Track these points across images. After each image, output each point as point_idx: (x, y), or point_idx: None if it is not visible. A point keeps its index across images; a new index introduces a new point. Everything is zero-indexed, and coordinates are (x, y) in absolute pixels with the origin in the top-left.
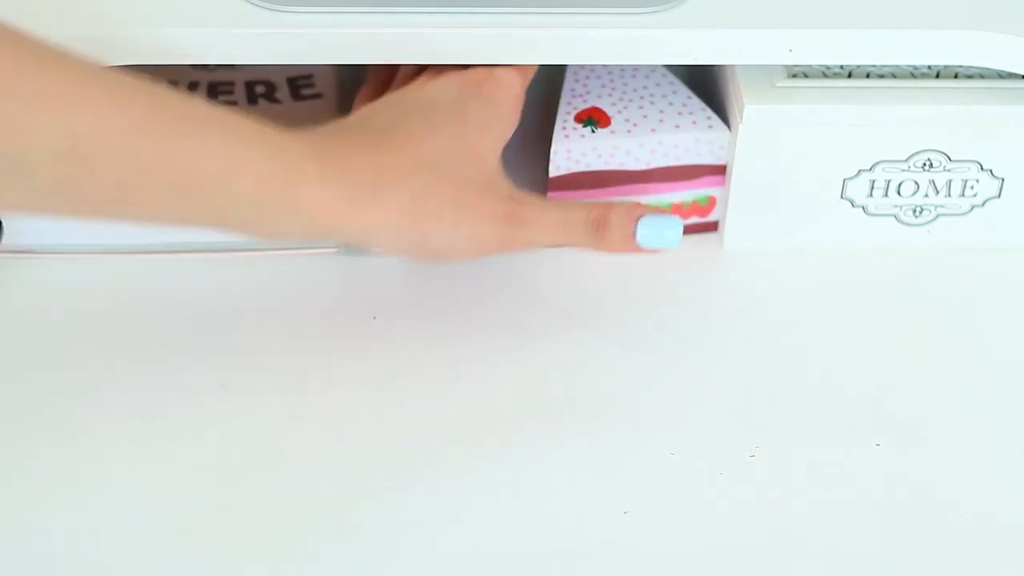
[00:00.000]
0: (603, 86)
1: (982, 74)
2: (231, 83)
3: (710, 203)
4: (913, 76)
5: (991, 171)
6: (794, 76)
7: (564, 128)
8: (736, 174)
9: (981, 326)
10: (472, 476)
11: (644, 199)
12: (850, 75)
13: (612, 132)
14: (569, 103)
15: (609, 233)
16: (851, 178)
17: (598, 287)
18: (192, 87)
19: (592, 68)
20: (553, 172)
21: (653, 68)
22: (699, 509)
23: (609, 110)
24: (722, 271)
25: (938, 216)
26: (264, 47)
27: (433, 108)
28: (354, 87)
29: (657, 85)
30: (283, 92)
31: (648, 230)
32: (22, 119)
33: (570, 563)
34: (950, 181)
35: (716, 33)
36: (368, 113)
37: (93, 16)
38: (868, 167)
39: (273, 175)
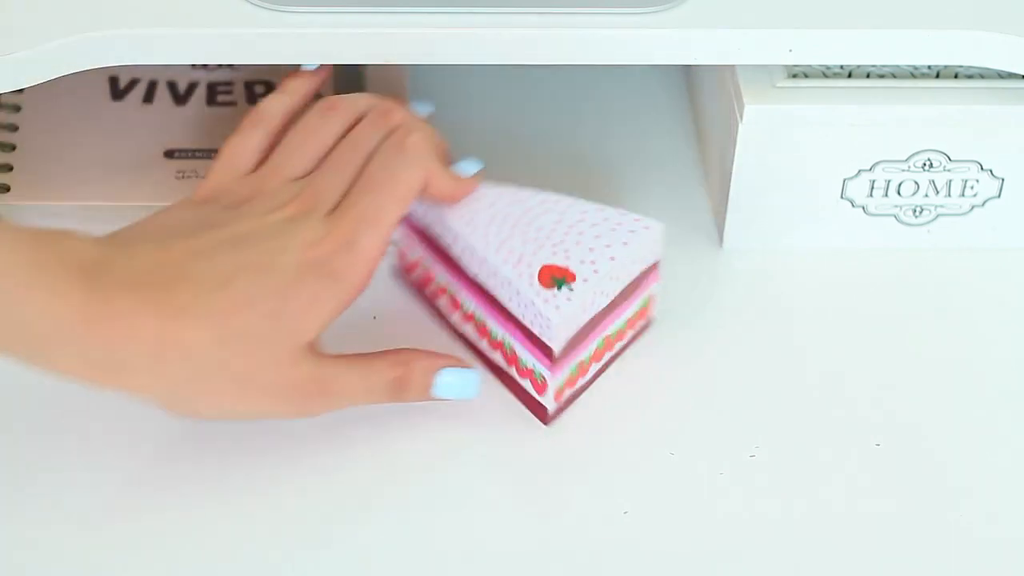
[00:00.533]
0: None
1: (982, 74)
2: (230, 83)
3: (650, 303)
4: (913, 76)
5: (991, 171)
6: (794, 76)
7: (544, 300)
8: (736, 174)
9: (981, 326)
10: (471, 474)
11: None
12: (850, 75)
13: (585, 280)
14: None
15: (408, 392)
16: (851, 178)
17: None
18: (192, 87)
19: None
20: (558, 348)
21: (545, 199)
22: (699, 509)
23: (556, 260)
24: (722, 271)
25: (938, 216)
26: (264, 47)
27: (266, 270)
28: (354, 87)
29: (565, 210)
30: None
31: (447, 382)
32: None
33: (570, 563)
34: (950, 181)
35: (716, 33)
36: (193, 246)
37: (93, 16)
38: (868, 167)
39: (26, 331)
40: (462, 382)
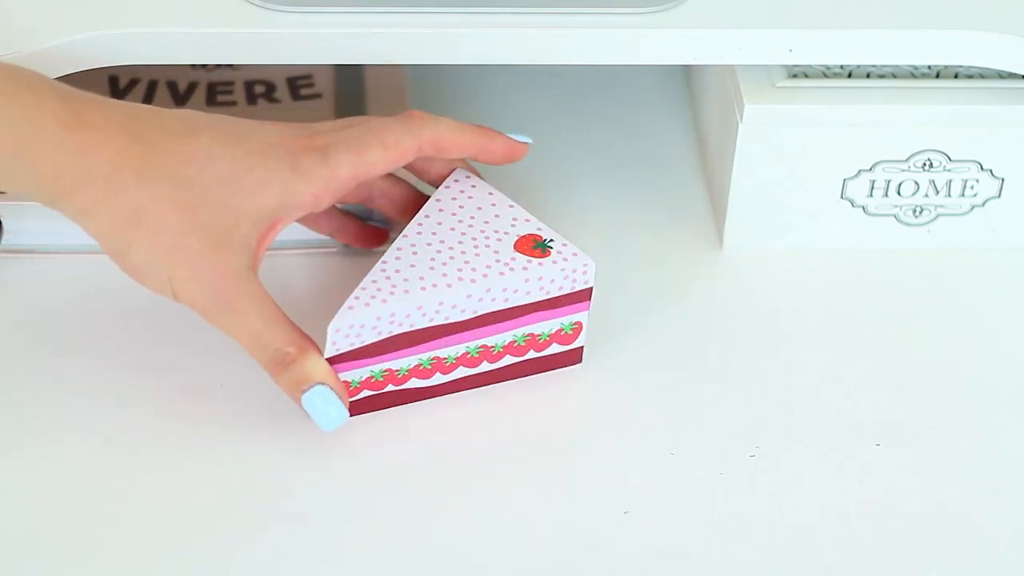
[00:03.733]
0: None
1: (982, 74)
2: (230, 83)
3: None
4: (913, 76)
5: (991, 171)
6: (794, 76)
7: (560, 252)
8: (736, 174)
9: (981, 326)
10: (471, 474)
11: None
12: (850, 75)
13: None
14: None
15: (280, 377)
16: (851, 178)
17: (599, 286)
18: (192, 87)
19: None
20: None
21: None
22: (699, 509)
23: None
24: (722, 271)
25: (938, 216)
26: (264, 47)
27: (235, 137)
28: (354, 87)
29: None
30: (282, 92)
31: (314, 398)
32: None
33: (571, 563)
34: (950, 181)
35: (716, 33)
36: (176, 111)
37: (93, 16)
38: (868, 167)
39: (18, 131)
40: (326, 407)
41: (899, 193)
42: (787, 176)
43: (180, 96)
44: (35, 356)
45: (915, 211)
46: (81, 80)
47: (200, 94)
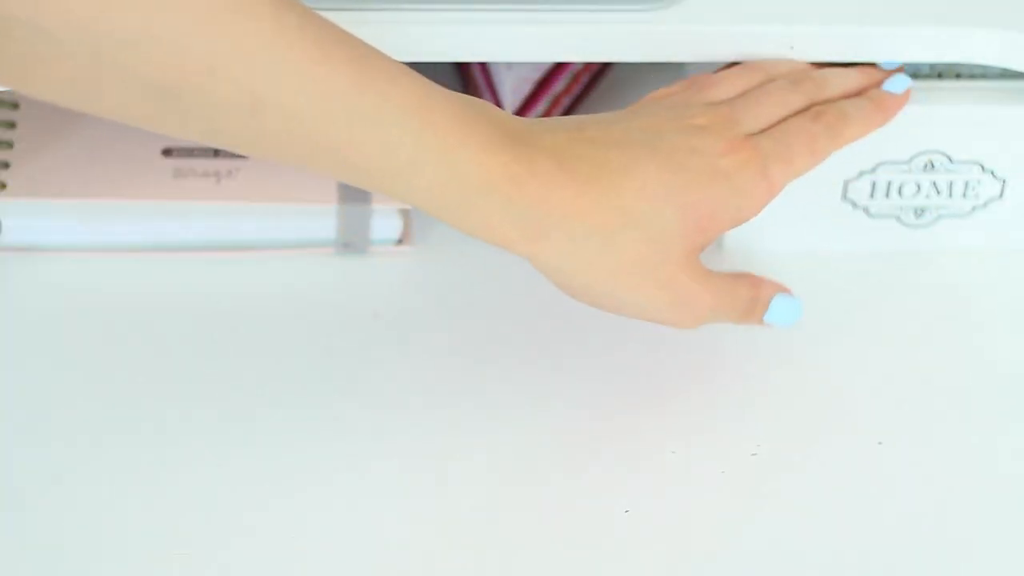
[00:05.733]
0: None
1: (984, 74)
2: None
3: None
4: (915, 76)
5: (992, 172)
6: None
7: None
8: None
9: (983, 328)
10: (469, 475)
11: None
12: None
13: None
14: None
15: (754, 314)
16: (853, 180)
17: None
18: None
19: None
20: None
21: None
22: (699, 509)
23: None
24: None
25: (940, 217)
26: None
27: (678, 167)
28: None
29: None
30: None
31: (780, 307)
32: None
33: (571, 562)
34: (952, 182)
35: (717, 29)
36: (608, 131)
37: None
38: (870, 168)
39: (453, 182)
40: (790, 308)
41: (900, 194)
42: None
43: None
44: (34, 355)
45: (917, 212)
46: None
47: None
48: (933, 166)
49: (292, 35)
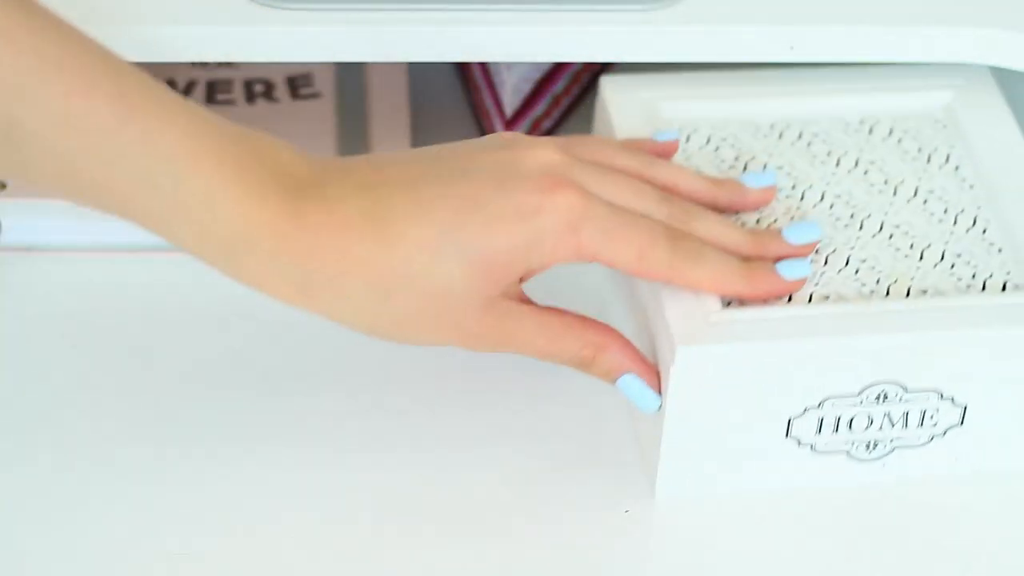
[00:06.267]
0: None
1: (939, 290)
2: (229, 82)
3: None
4: (861, 296)
5: (952, 399)
6: (728, 305)
7: None
8: (669, 417)
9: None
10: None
11: None
12: (789, 299)
13: None
14: None
15: (591, 371)
16: (797, 416)
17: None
18: (190, 86)
19: None
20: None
21: None
22: (700, 507)
23: None
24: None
25: (894, 449)
26: (265, 45)
27: (482, 201)
28: (354, 87)
29: None
30: (282, 91)
31: (631, 385)
32: None
33: (571, 562)
34: (907, 412)
35: (717, 29)
36: (408, 170)
37: (90, 13)
38: (816, 404)
39: (217, 233)
40: (642, 394)
41: (851, 429)
42: (726, 417)
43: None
44: (34, 355)
45: (868, 446)
46: None
47: (199, 93)
48: (886, 397)
49: (50, 67)
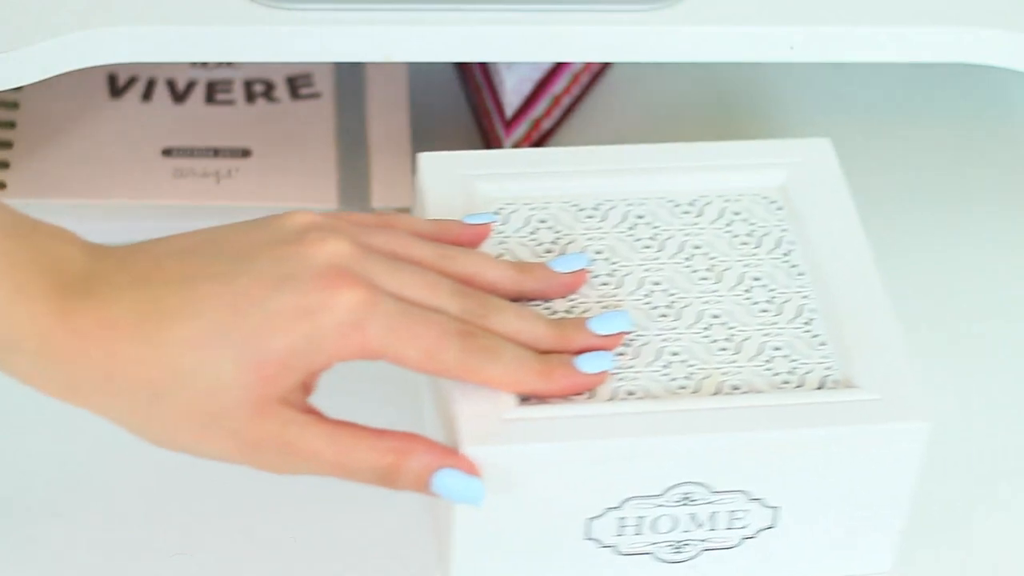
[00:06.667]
0: None
1: (737, 386)
2: (229, 82)
3: None
4: (669, 392)
5: (762, 500)
6: (526, 402)
7: None
8: (458, 520)
9: None
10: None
11: None
12: (594, 394)
13: None
14: None
15: (398, 483)
16: (596, 517)
17: None
18: (190, 86)
19: None
20: None
21: None
22: None
23: None
24: None
25: (703, 551)
26: (265, 45)
27: (260, 299)
28: (354, 87)
29: None
30: (281, 91)
31: (447, 484)
32: None
33: None
34: (714, 513)
35: (717, 29)
36: (187, 266)
37: (92, 13)
38: (616, 504)
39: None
40: (464, 487)
41: (654, 530)
42: (520, 518)
43: (178, 94)
44: None
45: (675, 547)
46: (79, 78)
47: (199, 93)
48: (691, 498)
49: None
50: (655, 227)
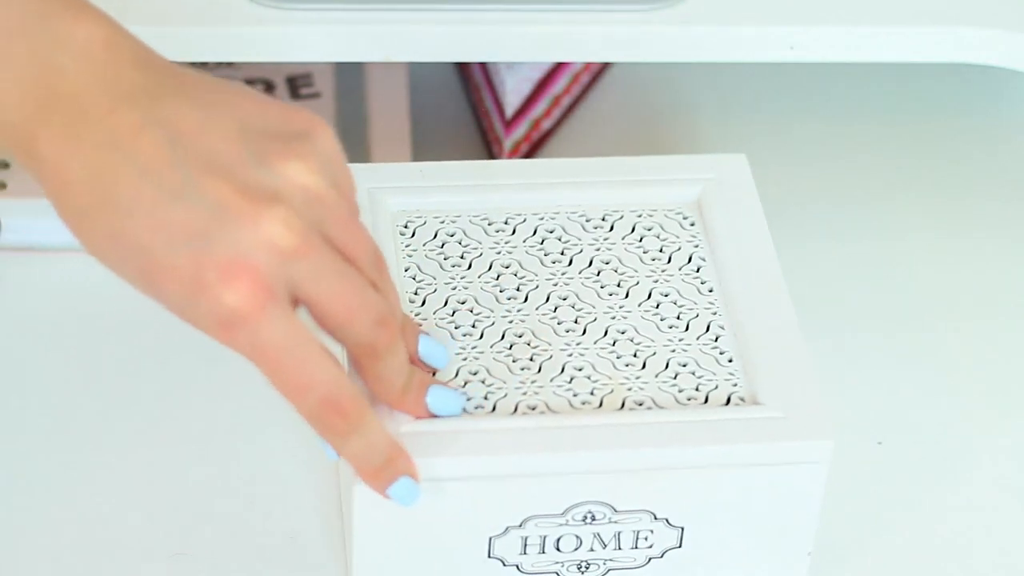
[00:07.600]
0: None
1: (655, 401)
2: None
3: None
4: (571, 408)
5: (667, 520)
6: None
7: None
8: (357, 538)
9: None
10: None
11: None
12: (495, 408)
13: None
14: None
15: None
16: (498, 536)
17: None
18: None
19: None
20: None
21: None
22: None
23: None
24: None
25: (609, 571)
26: (266, 45)
27: (168, 238)
28: (354, 87)
29: None
30: (282, 91)
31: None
32: None
33: None
34: (619, 533)
35: (717, 29)
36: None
37: None
38: (517, 523)
39: None
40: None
41: (558, 549)
42: (422, 537)
43: None
44: (34, 354)
45: (580, 567)
46: None
47: None
48: (594, 518)
49: None
50: (565, 242)
